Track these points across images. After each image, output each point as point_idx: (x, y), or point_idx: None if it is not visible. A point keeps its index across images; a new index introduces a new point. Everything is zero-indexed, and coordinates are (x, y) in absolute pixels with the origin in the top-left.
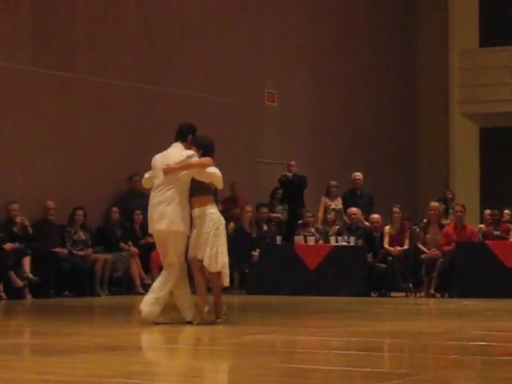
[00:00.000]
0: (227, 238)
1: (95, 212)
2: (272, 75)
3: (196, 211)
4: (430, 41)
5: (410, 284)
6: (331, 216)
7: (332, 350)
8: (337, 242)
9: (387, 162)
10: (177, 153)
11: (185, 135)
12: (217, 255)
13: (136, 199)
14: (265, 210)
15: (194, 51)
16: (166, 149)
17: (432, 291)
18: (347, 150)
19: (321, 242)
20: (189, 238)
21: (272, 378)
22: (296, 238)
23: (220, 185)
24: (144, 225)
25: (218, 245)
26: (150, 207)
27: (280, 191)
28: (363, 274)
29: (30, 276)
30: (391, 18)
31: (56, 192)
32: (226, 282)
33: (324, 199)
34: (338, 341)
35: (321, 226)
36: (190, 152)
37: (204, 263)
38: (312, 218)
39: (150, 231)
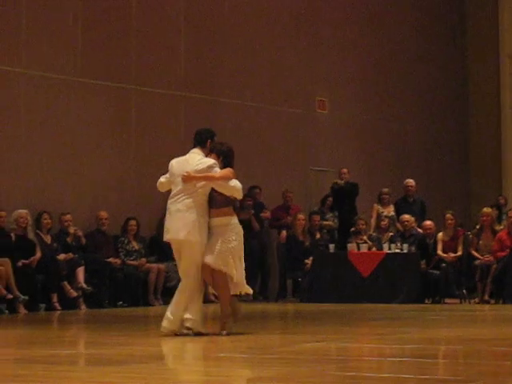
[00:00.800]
0: (280, 246)
1: (148, 222)
2: (323, 83)
3: (216, 220)
4: (480, 46)
5: (464, 290)
6: (385, 223)
7: (386, 357)
8: (390, 249)
9: (439, 168)
10: (196, 160)
11: (204, 141)
12: (233, 264)
13: None
14: (317, 217)
15: (246, 60)
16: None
17: (486, 297)
18: (399, 157)
19: (374, 249)
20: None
21: None
22: (349, 245)
23: (240, 196)
24: None
25: (239, 257)
26: (167, 214)
27: (330, 198)
28: (417, 280)
29: (84, 286)
30: (440, 25)
31: (109, 202)
32: (245, 288)
33: (376, 206)
34: (393, 348)
35: (374, 234)
36: (211, 161)
37: (221, 269)
38: (365, 226)
39: (165, 239)
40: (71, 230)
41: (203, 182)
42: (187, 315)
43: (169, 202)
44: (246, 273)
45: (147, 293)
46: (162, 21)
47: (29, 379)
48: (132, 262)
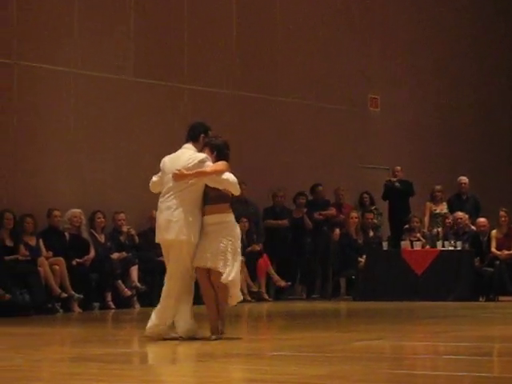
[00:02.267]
0: (333, 245)
1: None
2: (375, 81)
3: (210, 218)
4: None
5: None
6: (438, 221)
7: (441, 355)
8: (443, 246)
9: (493, 165)
10: (187, 155)
11: (197, 135)
12: (232, 268)
13: (242, 207)
14: (370, 215)
15: (300, 59)
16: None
17: None
18: (452, 155)
19: (427, 246)
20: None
21: None
22: (402, 243)
23: (236, 191)
24: (250, 232)
25: (235, 258)
26: (157, 213)
27: (366, 195)
28: (470, 278)
29: (138, 285)
30: (498, 18)
31: None
32: (233, 302)
33: (429, 204)
34: (447, 346)
35: (427, 231)
36: (202, 155)
37: (223, 278)
38: (419, 224)
39: (156, 240)
40: (124, 228)
41: (197, 179)
42: (178, 322)
43: (160, 200)
44: (297, 271)
45: (199, 291)
46: (214, 20)
47: (84, 377)
48: None
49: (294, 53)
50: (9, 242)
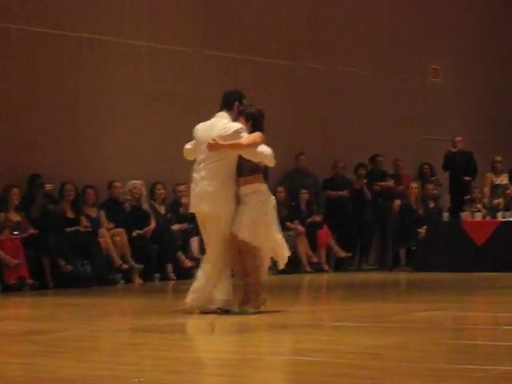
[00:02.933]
0: (393, 216)
1: None
2: (436, 51)
3: (244, 189)
4: None
5: None
6: (498, 191)
7: (501, 325)
8: (504, 217)
9: None
10: (221, 124)
11: (231, 103)
12: (258, 233)
13: (301, 178)
14: (431, 186)
15: (360, 28)
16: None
17: None
18: None
19: (488, 217)
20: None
21: (441, 355)
22: (463, 214)
23: (271, 163)
24: (310, 203)
25: (265, 224)
26: (192, 184)
27: (426, 166)
28: None
29: (198, 256)
30: None
31: None
32: (284, 261)
33: (489, 175)
34: (508, 316)
35: (487, 202)
36: (237, 125)
37: (240, 238)
38: (479, 194)
39: (191, 209)
40: (184, 200)
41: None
42: (218, 295)
43: (194, 169)
44: (357, 241)
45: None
46: None
47: (144, 347)
48: None
49: (353, 22)
50: (70, 214)
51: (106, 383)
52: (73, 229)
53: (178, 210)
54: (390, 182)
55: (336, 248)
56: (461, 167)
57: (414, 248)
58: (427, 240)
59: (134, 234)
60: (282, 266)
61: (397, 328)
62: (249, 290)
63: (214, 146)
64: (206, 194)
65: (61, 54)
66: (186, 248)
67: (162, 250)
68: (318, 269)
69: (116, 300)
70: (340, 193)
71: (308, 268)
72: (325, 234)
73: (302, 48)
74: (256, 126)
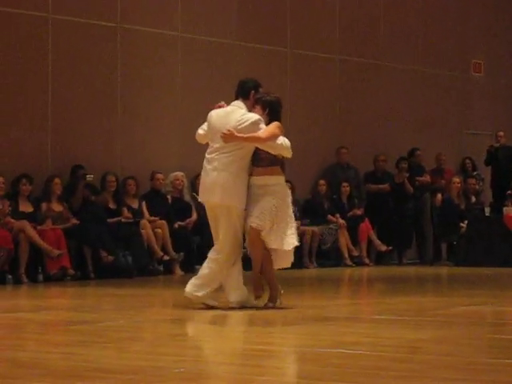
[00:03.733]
0: (434, 210)
1: (302, 185)
2: (478, 45)
3: (259, 179)
4: None
5: None
6: None
7: None
8: None
9: None
10: (238, 114)
11: (247, 92)
12: (277, 231)
13: (343, 171)
14: (473, 181)
15: (401, 22)
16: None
17: None
18: None
19: None
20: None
21: (482, 349)
22: (505, 209)
23: (288, 154)
24: (351, 196)
25: (283, 221)
26: (203, 173)
27: (468, 161)
28: None
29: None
30: None
31: None
32: (288, 263)
33: None
34: None
35: None
36: (255, 116)
37: (261, 236)
38: None
39: (200, 199)
40: None
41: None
42: (230, 290)
43: (206, 157)
44: (399, 235)
45: (301, 255)
46: None
47: (185, 338)
48: None
49: (395, 17)
50: (112, 205)
51: (147, 373)
52: (114, 220)
53: None
54: (426, 177)
55: (377, 242)
56: (503, 162)
57: (456, 243)
58: (469, 235)
59: (176, 225)
60: (277, 266)
61: (437, 322)
62: (270, 285)
63: (229, 138)
64: (216, 185)
65: (98, 45)
66: None
67: (203, 242)
68: (358, 262)
69: (157, 291)
70: (381, 186)
71: (349, 261)
72: (366, 228)
73: (344, 41)
74: (273, 115)
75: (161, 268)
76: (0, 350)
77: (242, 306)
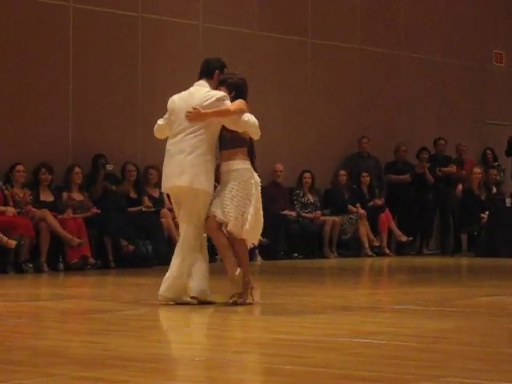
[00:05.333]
0: (455, 200)
1: (323, 174)
2: (500, 36)
3: (224, 165)
4: None
5: None
6: None
7: None
8: None
9: None
10: (202, 93)
11: (211, 72)
12: (243, 219)
13: (364, 161)
14: (494, 171)
15: (423, 13)
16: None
17: None
18: None
19: None
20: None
21: (504, 339)
22: None
23: (256, 135)
24: (372, 187)
25: (246, 208)
26: (167, 158)
27: (489, 151)
28: None
29: (260, 238)
30: None
31: (285, 155)
32: (250, 243)
33: None
34: None
35: None
36: (220, 93)
37: (228, 228)
38: None
39: (164, 189)
40: None
41: (214, 119)
42: (191, 282)
43: (169, 142)
44: (419, 226)
45: (322, 245)
46: None
47: (207, 327)
48: (307, 215)
49: (416, 7)
50: (133, 194)
51: (168, 362)
52: (135, 209)
53: None
54: (452, 168)
55: (397, 232)
56: None
57: (476, 233)
58: (489, 225)
59: None
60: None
61: (458, 312)
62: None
63: (194, 116)
64: (184, 168)
65: (119, 34)
66: None
67: None
68: (379, 252)
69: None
70: (401, 177)
71: (369, 251)
72: (386, 218)
73: (365, 31)
74: (239, 97)
75: None
76: (21, 338)
77: (205, 302)
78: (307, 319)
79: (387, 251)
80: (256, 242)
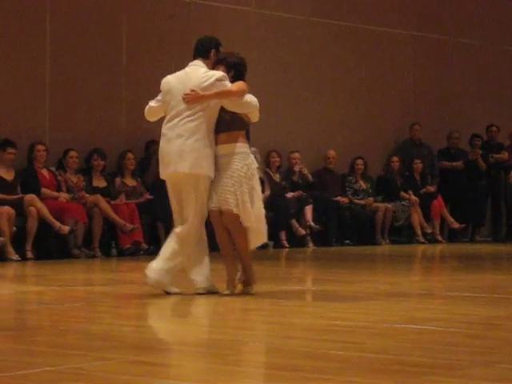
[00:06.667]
0: (508, 187)
1: (375, 161)
2: None
3: (222, 148)
4: None
5: None
6: None
7: None
8: None
9: None
10: (200, 73)
11: (207, 51)
12: (246, 206)
13: (416, 148)
14: None
15: (478, 1)
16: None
17: None
18: None
19: None
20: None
21: None
22: None
23: (256, 117)
24: (424, 174)
25: (250, 193)
26: (163, 143)
27: None
28: None
29: (312, 224)
30: None
31: (337, 141)
32: (264, 238)
33: None
34: None
35: None
36: (220, 73)
37: (232, 211)
38: None
39: (163, 175)
40: (296, 168)
41: (212, 101)
42: (197, 276)
43: (165, 126)
44: (472, 213)
45: (374, 232)
46: None
47: (257, 313)
48: (359, 201)
49: None
50: None
51: (221, 347)
52: None
53: (292, 178)
54: (505, 155)
55: (450, 219)
56: None
57: None
58: None
59: None
60: (253, 246)
61: (511, 299)
62: (245, 268)
63: (193, 98)
64: (183, 153)
65: (172, 21)
66: (299, 216)
67: (276, 218)
68: (431, 239)
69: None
70: (454, 164)
71: (421, 238)
72: (439, 205)
73: (418, 18)
74: (238, 77)
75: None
76: (75, 323)
77: (211, 293)
78: (360, 305)
79: (439, 238)
80: (265, 240)
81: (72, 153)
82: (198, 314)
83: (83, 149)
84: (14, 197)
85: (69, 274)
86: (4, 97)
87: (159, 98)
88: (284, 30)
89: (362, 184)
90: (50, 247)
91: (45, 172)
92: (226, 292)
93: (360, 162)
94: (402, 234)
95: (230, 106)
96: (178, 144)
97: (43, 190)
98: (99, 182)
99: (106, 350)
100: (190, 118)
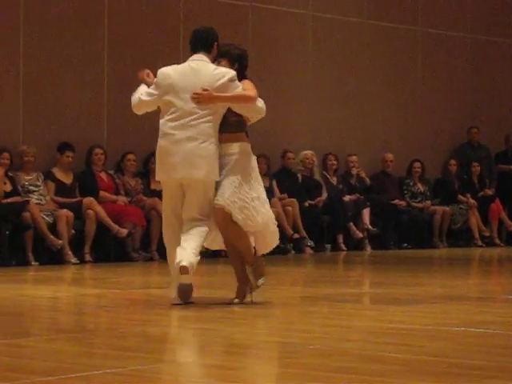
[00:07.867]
0: None
1: (433, 163)
2: None
3: (226, 147)
4: None
5: None
6: None
7: None
8: None
9: None
10: (210, 70)
11: (210, 44)
12: (250, 209)
13: (474, 151)
14: None
15: None
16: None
17: None
18: None
19: None
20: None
21: None
22: None
23: (256, 118)
24: (482, 177)
25: (252, 196)
26: (169, 144)
27: None
28: None
29: (370, 228)
30: None
31: (395, 144)
32: (274, 242)
33: None
34: None
35: None
36: (229, 71)
37: (234, 219)
38: None
39: (163, 178)
40: (354, 171)
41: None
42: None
43: (168, 125)
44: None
45: (432, 235)
46: None
47: (315, 316)
48: (417, 204)
49: None
50: None
51: (281, 349)
52: None
53: (350, 181)
54: None
55: (508, 222)
56: None
57: None
58: None
59: (306, 204)
60: (263, 251)
61: None
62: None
63: (206, 99)
64: (196, 157)
65: (231, 24)
66: (357, 219)
67: (333, 221)
68: (489, 243)
69: (287, 269)
70: None
71: (479, 242)
72: (497, 208)
73: (475, 20)
74: (242, 71)
75: (291, 247)
76: (133, 325)
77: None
78: (418, 308)
79: (498, 241)
80: (276, 243)
81: (130, 156)
82: (257, 317)
83: (141, 152)
84: (73, 200)
85: (127, 277)
86: (63, 100)
87: (153, 91)
88: (340, 32)
89: (420, 187)
90: (108, 250)
91: (103, 175)
92: (236, 301)
93: (417, 164)
94: (459, 237)
95: (243, 110)
96: (190, 148)
97: (101, 193)
98: (157, 185)
99: (164, 352)
100: (200, 120)
